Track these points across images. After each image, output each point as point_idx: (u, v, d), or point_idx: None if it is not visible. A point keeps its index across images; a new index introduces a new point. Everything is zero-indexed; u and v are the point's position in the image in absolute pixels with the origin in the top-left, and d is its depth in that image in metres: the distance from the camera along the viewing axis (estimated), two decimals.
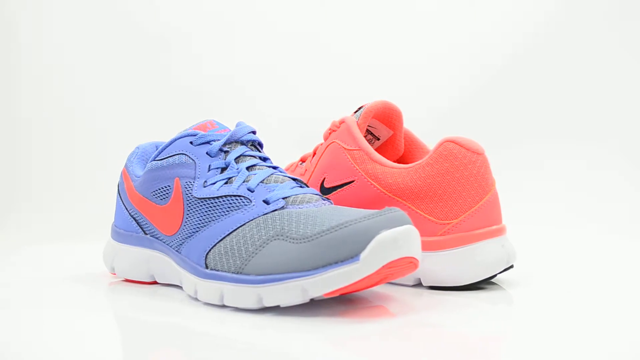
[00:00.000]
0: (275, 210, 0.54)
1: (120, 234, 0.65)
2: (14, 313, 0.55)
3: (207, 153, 0.59)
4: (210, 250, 0.54)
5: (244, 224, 0.54)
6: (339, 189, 0.64)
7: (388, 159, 0.68)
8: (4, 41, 1.17)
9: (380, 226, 0.49)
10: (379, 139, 0.69)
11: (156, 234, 0.61)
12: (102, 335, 0.50)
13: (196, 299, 0.56)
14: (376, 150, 0.69)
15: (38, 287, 0.65)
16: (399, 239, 0.49)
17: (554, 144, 1.17)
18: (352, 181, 0.63)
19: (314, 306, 0.53)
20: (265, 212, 0.53)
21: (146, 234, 0.62)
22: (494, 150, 0.69)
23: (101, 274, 0.69)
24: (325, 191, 0.65)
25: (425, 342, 0.47)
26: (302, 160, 0.71)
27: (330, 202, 0.57)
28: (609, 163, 1.14)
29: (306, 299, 0.50)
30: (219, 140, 0.60)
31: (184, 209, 0.58)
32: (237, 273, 0.52)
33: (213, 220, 0.55)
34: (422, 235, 0.59)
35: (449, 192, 0.58)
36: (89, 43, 1.19)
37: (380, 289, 0.60)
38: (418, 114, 0.93)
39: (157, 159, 0.61)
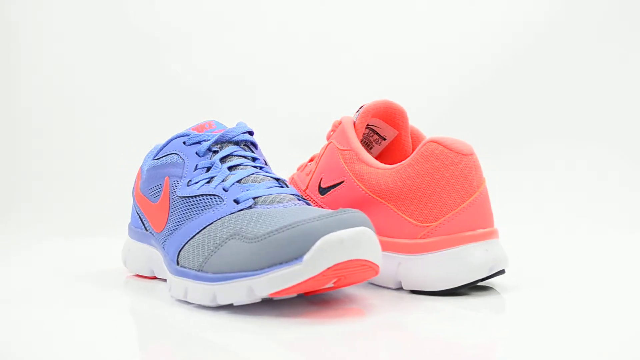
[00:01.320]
0: (242, 209, 0.54)
1: (131, 231, 0.68)
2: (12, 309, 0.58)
3: (196, 153, 0.60)
4: (182, 247, 0.56)
5: (211, 223, 0.55)
6: (332, 190, 0.64)
7: (396, 159, 0.67)
8: (5, 41, 1.20)
9: (328, 228, 0.49)
10: (385, 139, 0.67)
11: (151, 231, 0.63)
12: (95, 330, 0.51)
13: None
14: (383, 150, 0.68)
15: (37, 284, 0.67)
16: (345, 240, 0.48)
17: (558, 143, 1.16)
18: (342, 182, 0.62)
19: (281, 305, 0.53)
20: (232, 212, 0.54)
21: (146, 230, 0.65)
22: (500, 150, 0.67)
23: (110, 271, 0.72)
24: (322, 192, 0.65)
25: (380, 345, 0.46)
26: (311, 161, 0.71)
27: (306, 203, 0.57)
28: (609, 164, 1.13)
29: (255, 299, 0.50)
30: (208, 140, 0.61)
31: (169, 207, 0.60)
32: (199, 270, 0.53)
33: (189, 219, 0.57)
34: (402, 237, 0.57)
35: (429, 194, 0.56)
36: (92, 42, 1.21)
37: (359, 291, 0.59)
38: (425, 113, 0.91)
39: (155, 158, 0.64)
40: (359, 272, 0.51)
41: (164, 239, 0.60)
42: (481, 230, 0.56)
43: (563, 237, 0.94)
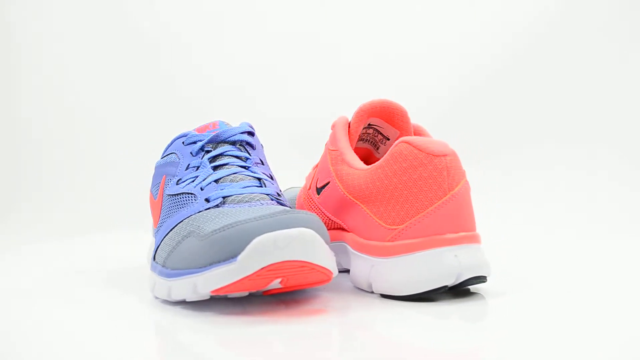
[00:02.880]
0: (209, 208, 0.56)
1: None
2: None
3: (190, 152, 0.63)
4: (160, 243, 0.59)
5: (182, 221, 0.57)
6: (323, 190, 0.63)
7: None
8: (6, 41, 1.24)
9: (265, 228, 0.49)
10: (388, 139, 0.66)
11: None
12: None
13: None
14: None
15: (36, 283, 0.68)
16: (278, 241, 0.49)
17: (556, 143, 1.16)
18: (329, 182, 0.62)
19: (243, 303, 0.54)
20: (199, 210, 0.56)
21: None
22: (500, 150, 0.65)
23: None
24: (318, 192, 0.65)
25: (319, 345, 0.46)
26: None
27: (279, 203, 0.57)
28: (609, 166, 1.12)
29: (202, 296, 0.52)
30: (202, 140, 0.63)
31: (161, 204, 0.62)
32: (163, 266, 0.56)
33: (170, 216, 0.59)
34: (374, 239, 0.57)
35: (396, 196, 0.55)
36: (93, 43, 1.25)
37: (332, 293, 0.59)
38: (431, 113, 0.88)
39: (162, 156, 0.67)
40: (301, 273, 0.51)
41: (155, 235, 0.62)
42: (451, 235, 0.54)
43: (561, 241, 0.89)
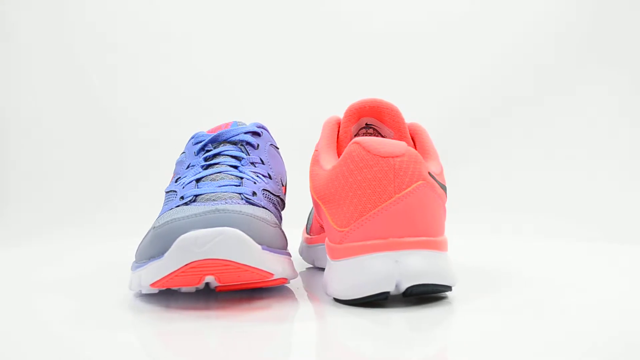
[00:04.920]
0: (179, 205, 0.59)
1: None
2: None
3: (194, 152, 0.66)
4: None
5: (159, 217, 0.60)
6: None
7: None
8: (10, 40, 1.26)
9: (190, 227, 0.51)
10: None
11: None
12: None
13: None
14: None
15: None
16: (199, 239, 0.50)
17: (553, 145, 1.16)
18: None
19: (191, 298, 0.57)
20: (172, 207, 0.59)
21: None
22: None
23: None
24: None
25: (242, 344, 0.47)
26: None
27: (248, 202, 0.58)
28: (609, 167, 1.12)
29: (147, 289, 0.55)
30: (204, 140, 0.66)
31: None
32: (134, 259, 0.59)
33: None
34: (330, 241, 0.56)
35: (344, 198, 0.54)
36: (101, 42, 1.27)
37: (296, 294, 0.59)
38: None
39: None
40: (230, 272, 0.52)
41: None
42: (394, 239, 0.52)
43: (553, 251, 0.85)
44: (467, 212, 0.95)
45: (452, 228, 0.73)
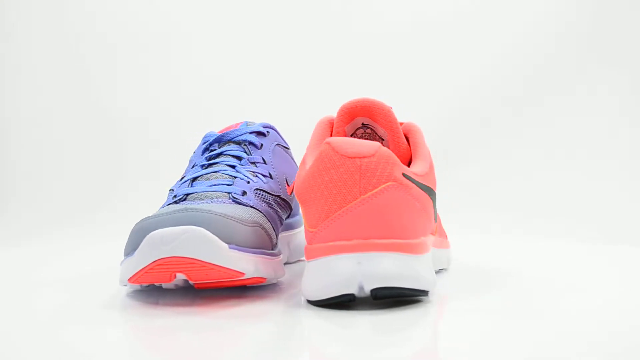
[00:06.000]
0: (169, 203, 0.61)
1: None
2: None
3: (200, 152, 0.68)
4: None
5: None
6: None
7: None
8: (10, 40, 1.26)
9: (158, 225, 0.53)
10: (383, 140, 0.64)
11: None
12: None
13: None
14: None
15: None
16: (165, 237, 0.52)
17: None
18: None
19: (186, 295, 0.58)
20: (163, 206, 0.61)
21: None
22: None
23: None
24: None
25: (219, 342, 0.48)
26: None
27: (235, 202, 0.59)
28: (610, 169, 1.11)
29: (131, 285, 0.57)
30: (208, 140, 0.68)
31: None
32: None
33: None
34: (306, 242, 0.56)
35: (313, 198, 0.54)
36: (102, 42, 1.27)
37: (273, 294, 0.59)
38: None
39: None
40: (197, 270, 0.53)
41: None
42: (358, 241, 0.51)
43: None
44: (466, 212, 0.92)
45: (451, 228, 0.72)
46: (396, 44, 1.31)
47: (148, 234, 0.52)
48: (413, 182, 0.54)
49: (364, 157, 0.51)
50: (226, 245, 0.53)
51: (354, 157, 0.51)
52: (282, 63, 1.34)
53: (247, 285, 0.59)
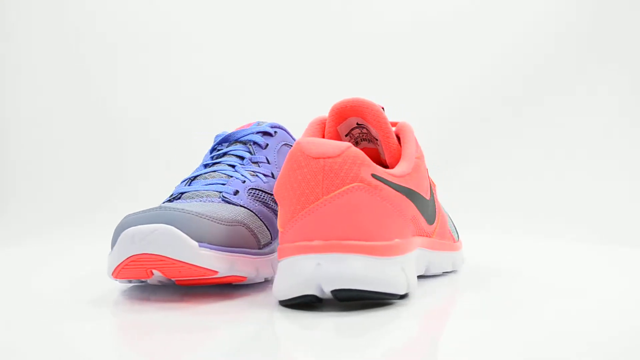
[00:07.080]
0: (165, 202, 0.63)
1: None
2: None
3: (209, 151, 0.70)
4: None
5: None
6: None
7: (389, 163, 0.62)
8: (10, 40, 1.25)
9: (133, 223, 0.55)
10: (377, 139, 0.63)
11: None
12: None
13: None
14: (385, 152, 0.64)
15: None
16: (136, 235, 0.54)
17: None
18: None
19: (160, 291, 0.60)
20: (160, 204, 0.63)
21: None
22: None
23: None
24: None
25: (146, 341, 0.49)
26: None
27: (224, 201, 0.61)
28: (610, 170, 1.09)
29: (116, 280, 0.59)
30: (216, 140, 0.70)
31: None
32: None
33: None
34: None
35: (282, 198, 0.54)
36: (102, 42, 1.26)
37: (256, 294, 0.60)
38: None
39: None
40: (168, 267, 0.54)
41: None
42: (319, 242, 0.51)
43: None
44: (466, 212, 0.89)
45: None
46: (397, 44, 1.31)
47: (124, 230, 0.54)
48: (385, 183, 0.53)
49: (329, 157, 0.51)
50: (196, 244, 0.54)
51: (318, 158, 0.51)
52: (282, 63, 1.35)
53: (234, 284, 0.59)
